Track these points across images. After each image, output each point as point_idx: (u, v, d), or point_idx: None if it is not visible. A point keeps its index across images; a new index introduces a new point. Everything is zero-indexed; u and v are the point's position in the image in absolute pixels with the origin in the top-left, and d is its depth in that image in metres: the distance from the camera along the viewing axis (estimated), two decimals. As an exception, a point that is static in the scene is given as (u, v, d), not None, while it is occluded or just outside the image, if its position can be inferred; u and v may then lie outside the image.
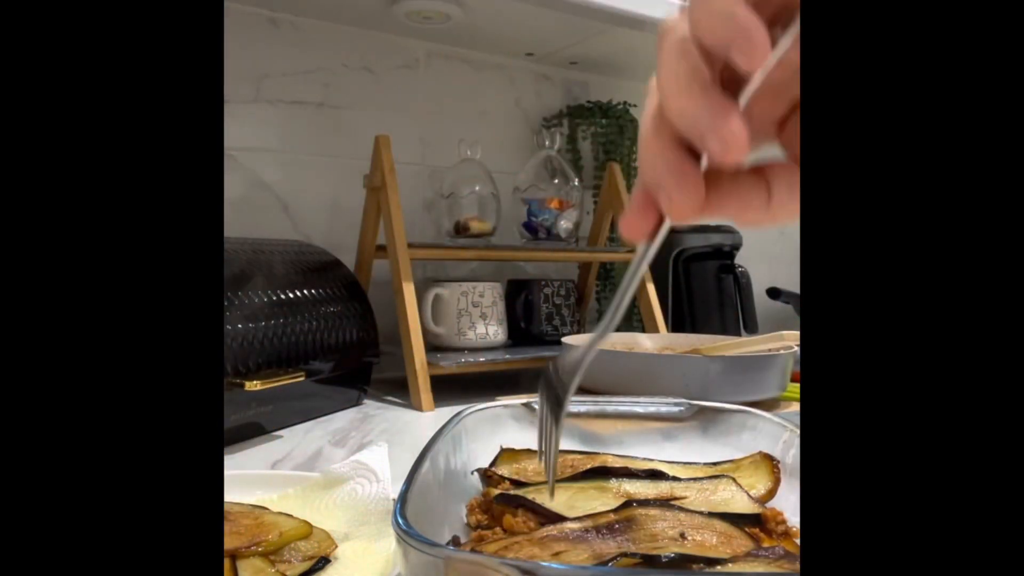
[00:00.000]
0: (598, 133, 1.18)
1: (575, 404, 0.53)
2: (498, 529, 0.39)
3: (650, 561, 0.32)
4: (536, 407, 0.32)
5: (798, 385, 0.83)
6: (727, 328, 1.17)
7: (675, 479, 0.44)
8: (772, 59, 0.22)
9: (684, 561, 0.33)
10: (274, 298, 0.70)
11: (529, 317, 1.01)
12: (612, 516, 0.37)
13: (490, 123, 1.17)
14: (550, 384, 0.31)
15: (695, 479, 0.44)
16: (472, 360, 0.87)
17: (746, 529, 0.38)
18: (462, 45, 1.11)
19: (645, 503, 0.39)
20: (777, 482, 0.45)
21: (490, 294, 0.93)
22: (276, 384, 0.63)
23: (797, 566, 0.31)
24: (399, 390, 0.87)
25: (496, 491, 0.42)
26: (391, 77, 1.07)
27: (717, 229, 1.17)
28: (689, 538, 0.36)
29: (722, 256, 1.18)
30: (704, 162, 0.24)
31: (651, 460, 0.48)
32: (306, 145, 1.01)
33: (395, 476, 0.46)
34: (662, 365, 0.76)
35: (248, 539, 0.38)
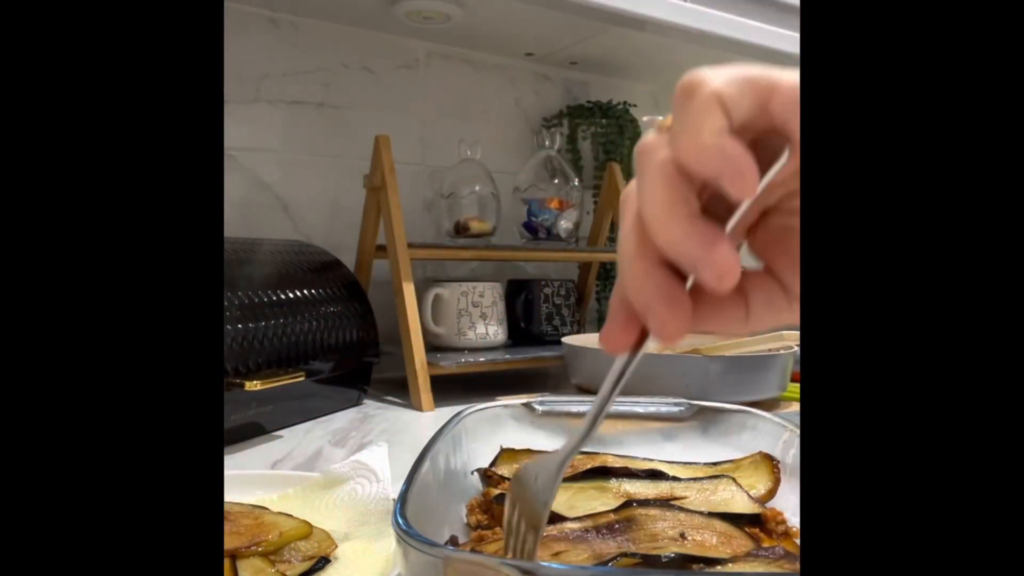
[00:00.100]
0: (598, 133, 1.18)
1: (575, 404, 0.53)
2: (498, 529, 0.39)
3: (650, 561, 0.32)
4: (515, 481, 0.30)
5: (798, 385, 0.83)
6: (727, 328, 1.17)
7: (675, 479, 0.44)
8: (760, 187, 0.22)
9: (684, 561, 0.33)
10: (274, 298, 0.70)
11: (529, 317, 1.01)
12: (612, 516, 0.37)
13: (490, 123, 1.17)
14: (524, 492, 0.29)
15: (695, 479, 0.44)
16: (472, 360, 0.87)
17: (746, 529, 0.38)
18: (462, 45, 1.11)
19: (645, 503, 0.39)
20: (777, 482, 0.45)
21: (490, 294, 0.93)
22: (276, 384, 0.63)
23: (797, 566, 0.31)
24: (399, 390, 0.87)
25: (496, 491, 0.42)
26: (391, 77, 1.07)
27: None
28: (689, 538, 0.36)
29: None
30: (690, 282, 0.23)
31: (651, 460, 0.48)
32: (306, 145, 1.01)
33: (395, 476, 0.46)
34: (662, 365, 0.76)
35: (248, 539, 0.38)
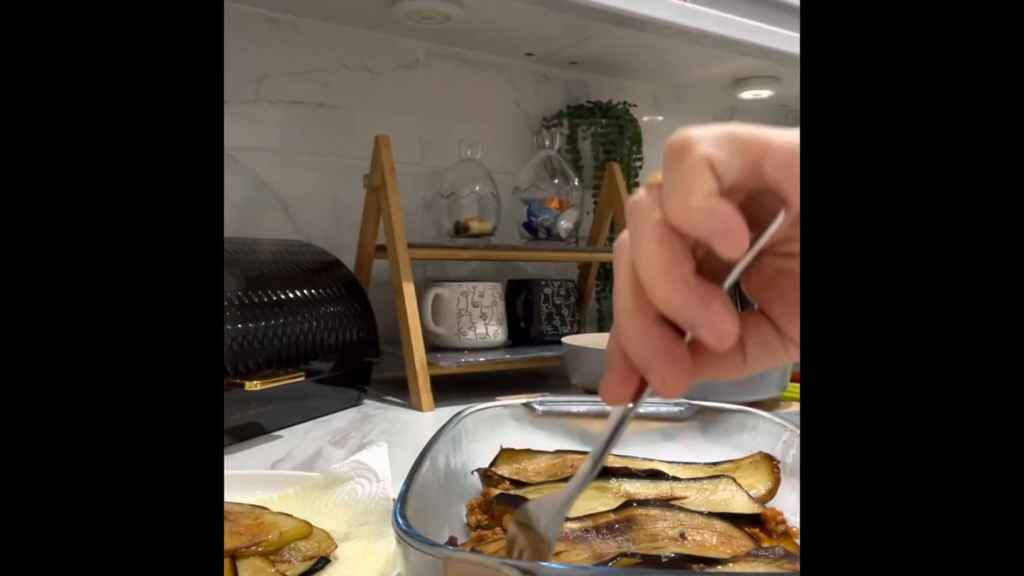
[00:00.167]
0: (598, 133, 1.18)
1: (575, 404, 0.53)
2: (498, 529, 0.39)
3: (650, 561, 0.32)
4: (518, 521, 0.30)
5: (798, 385, 0.83)
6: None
7: (675, 479, 0.44)
8: (754, 250, 0.22)
9: (684, 561, 0.33)
10: (274, 298, 0.70)
11: (529, 317, 1.01)
12: (612, 516, 0.37)
13: (490, 123, 1.17)
14: (526, 532, 0.29)
15: (695, 479, 0.44)
16: (472, 360, 0.87)
17: (746, 529, 0.38)
18: (462, 45, 1.11)
19: (645, 503, 0.39)
20: (777, 482, 0.45)
21: (490, 294, 0.93)
22: (276, 384, 0.63)
23: (797, 566, 0.31)
24: (399, 390, 0.87)
25: (496, 491, 0.42)
26: (391, 77, 1.07)
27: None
28: (689, 538, 0.36)
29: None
30: (689, 336, 0.24)
31: (651, 460, 0.48)
32: (306, 145, 1.01)
33: (395, 476, 0.46)
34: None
35: (248, 539, 0.38)
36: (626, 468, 0.45)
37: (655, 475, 0.44)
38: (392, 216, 0.85)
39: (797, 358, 0.24)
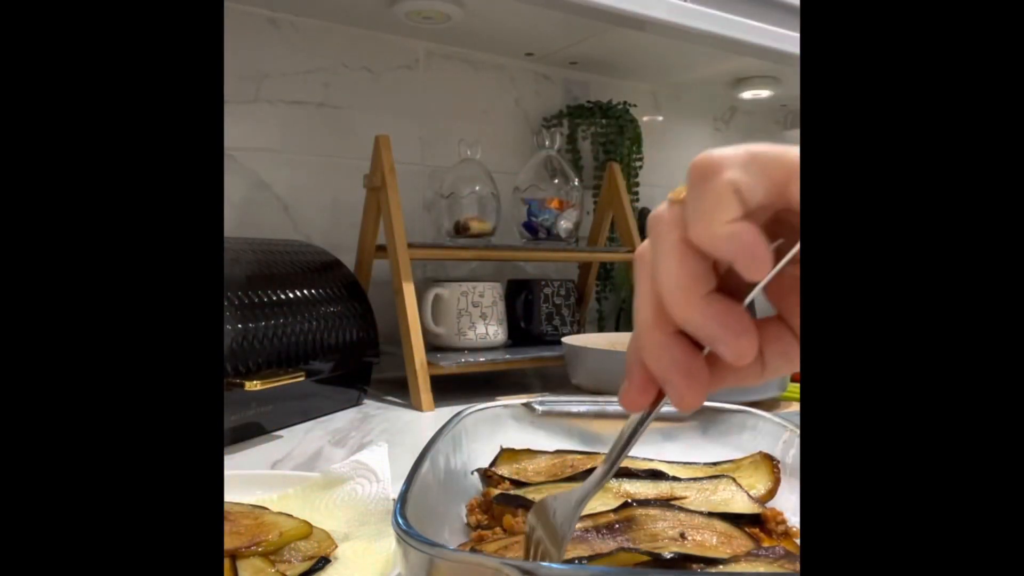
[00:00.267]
0: (598, 133, 1.18)
1: (575, 404, 0.53)
2: (498, 529, 0.39)
3: (650, 561, 0.32)
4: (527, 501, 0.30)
5: (798, 385, 0.83)
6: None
7: (675, 479, 0.44)
8: (777, 268, 0.22)
9: (684, 561, 0.33)
10: (274, 298, 0.70)
11: (529, 317, 1.01)
12: (612, 516, 0.37)
13: (490, 123, 1.17)
14: (543, 524, 0.30)
15: (695, 479, 0.44)
16: (472, 360, 0.87)
17: (746, 529, 0.38)
18: (462, 45, 1.11)
19: (645, 503, 0.39)
20: (777, 482, 0.45)
21: (490, 294, 0.93)
22: (276, 384, 0.63)
23: (797, 566, 0.31)
24: (399, 390, 0.87)
25: (496, 491, 0.42)
26: (391, 77, 1.07)
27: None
28: (689, 538, 0.36)
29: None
30: (707, 350, 0.24)
31: (651, 460, 0.48)
32: (306, 145, 1.01)
33: (395, 476, 0.46)
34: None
35: (248, 539, 0.38)
36: (626, 468, 0.45)
37: (655, 475, 0.44)
38: (392, 216, 0.85)
39: None
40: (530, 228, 1.04)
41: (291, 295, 0.73)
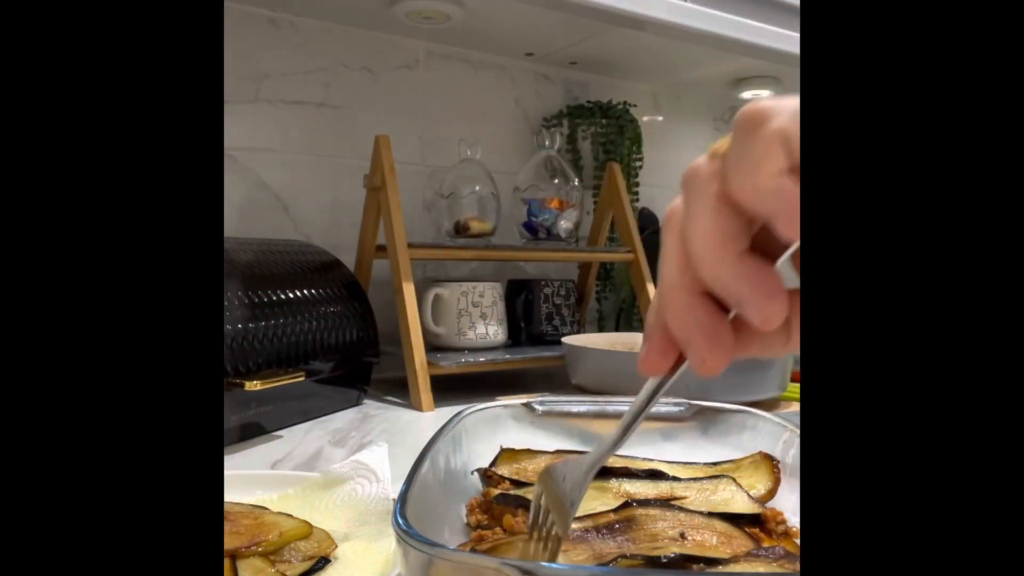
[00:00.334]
0: (598, 133, 1.18)
1: (575, 404, 0.53)
2: (498, 529, 0.39)
3: (650, 561, 0.32)
4: (534, 496, 0.30)
5: (798, 385, 0.83)
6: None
7: (675, 479, 0.44)
8: None
9: (684, 561, 0.33)
10: (274, 298, 0.70)
11: (529, 317, 1.01)
12: (612, 516, 0.37)
13: (490, 123, 1.17)
14: (552, 489, 0.29)
15: (695, 479, 0.44)
16: (472, 360, 0.87)
17: (746, 529, 0.38)
18: (462, 45, 1.11)
19: (645, 503, 0.39)
20: (777, 482, 0.45)
21: (490, 294, 0.93)
22: (276, 384, 0.63)
23: (797, 566, 0.31)
24: (399, 390, 0.87)
25: (496, 491, 0.42)
26: (391, 77, 1.07)
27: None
28: (689, 538, 0.36)
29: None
30: (733, 313, 0.23)
31: (651, 460, 0.48)
32: (306, 145, 1.01)
33: (395, 476, 0.46)
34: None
35: (248, 539, 0.38)
36: (626, 468, 0.45)
37: (655, 475, 0.44)
38: (392, 216, 0.85)
39: None
40: (530, 228, 1.04)
41: (291, 295, 0.73)
